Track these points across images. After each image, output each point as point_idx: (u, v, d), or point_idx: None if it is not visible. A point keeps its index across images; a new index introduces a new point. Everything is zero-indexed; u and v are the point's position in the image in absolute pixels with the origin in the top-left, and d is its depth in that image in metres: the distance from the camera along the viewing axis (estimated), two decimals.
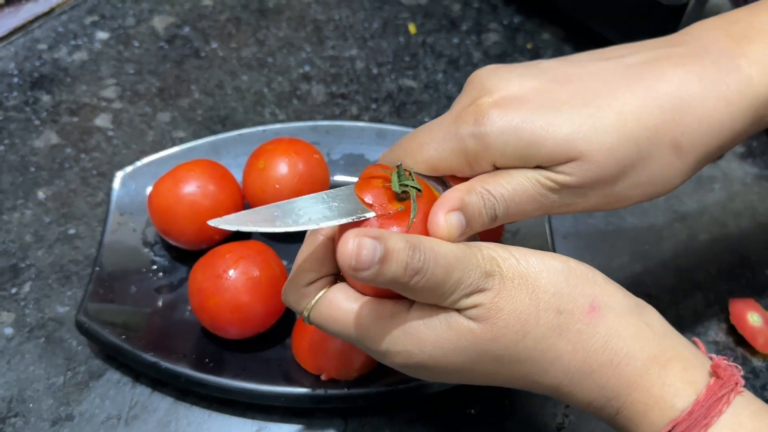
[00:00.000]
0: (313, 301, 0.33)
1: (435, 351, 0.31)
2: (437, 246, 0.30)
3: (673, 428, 0.29)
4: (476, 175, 0.33)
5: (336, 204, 0.32)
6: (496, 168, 0.33)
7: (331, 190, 0.32)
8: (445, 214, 0.31)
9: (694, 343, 0.32)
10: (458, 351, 0.31)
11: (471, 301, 0.30)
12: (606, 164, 0.32)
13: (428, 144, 0.33)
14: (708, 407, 0.29)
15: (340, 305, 0.32)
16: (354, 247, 0.28)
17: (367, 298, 0.32)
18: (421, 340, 0.31)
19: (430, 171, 0.34)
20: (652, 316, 0.31)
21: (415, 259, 0.29)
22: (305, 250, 0.34)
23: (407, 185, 0.32)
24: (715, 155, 0.34)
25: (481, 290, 0.30)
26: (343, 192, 0.32)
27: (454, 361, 0.31)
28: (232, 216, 0.30)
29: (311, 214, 0.31)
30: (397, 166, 0.32)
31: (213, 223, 0.29)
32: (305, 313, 0.33)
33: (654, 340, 0.30)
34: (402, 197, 0.32)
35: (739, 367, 0.30)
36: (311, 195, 0.32)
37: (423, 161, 0.33)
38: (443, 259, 0.29)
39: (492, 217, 0.33)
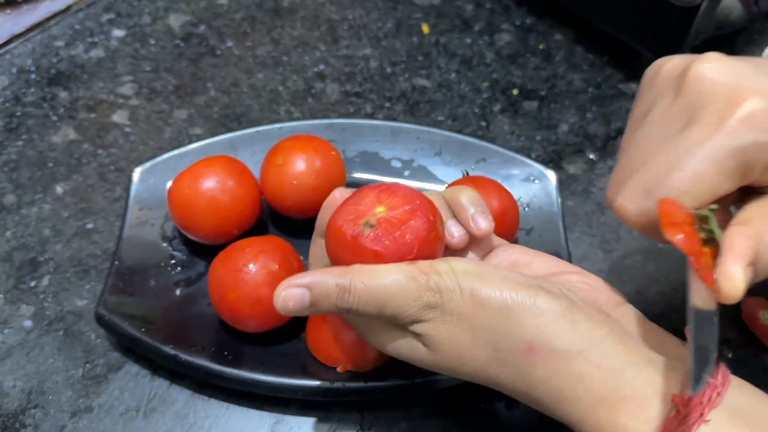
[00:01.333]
0: None
1: (395, 353, 0.34)
2: (372, 281, 0.31)
3: None
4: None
5: None
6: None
7: None
8: (743, 269, 0.28)
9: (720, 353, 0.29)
10: (414, 361, 0.34)
11: (413, 329, 0.32)
12: None
13: (705, 172, 0.29)
14: None
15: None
16: (280, 301, 0.32)
17: None
18: (382, 344, 0.34)
19: (709, 200, 0.30)
20: (607, 351, 0.29)
21: (343, 300, 0.32)
22: (312, 252, 0.38)
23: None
24: None
25: (421, 320, 0.32)
26: None
27: (417, 364, 0.34)
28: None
29: None
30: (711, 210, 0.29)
31: None
32: None
33: (600, 381, 0.29)
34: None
35: (721, 382, 0.28)
36: None
37: (696, 195, 0.29)
38: (374, 297, 0.31)
39: None
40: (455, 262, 0.32)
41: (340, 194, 0.36)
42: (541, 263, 0.36)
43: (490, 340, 0.31)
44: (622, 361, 0.29)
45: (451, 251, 0.36)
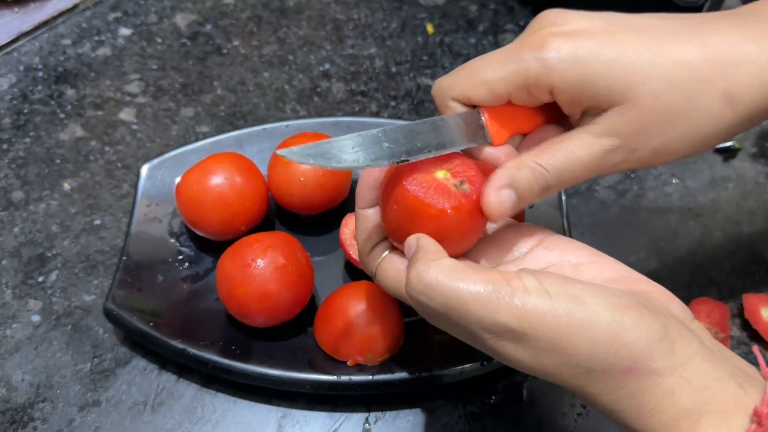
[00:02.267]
0: (376, 265, 0.36)
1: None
2: (445, 278, 0.30)
3: None
4: (531, 106, 0.34)
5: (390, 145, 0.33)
6: (552, 96, 0.33)
7: (384, 130, 0.34)
8: (497, 191, 0.32)
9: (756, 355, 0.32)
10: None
11: (487, 344, 0.30)
12: (654, 110, 0.32)
13: (489, 66, 0.34)
14: None
15: (392, 269, 0.35)
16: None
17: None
18: (450, 330, 0.32)
19: (488, 93, 0.34)
20: (697, 368, 0.30)
21: (408, 286, 0.31)
22: (360, 225, 0.37)
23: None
24: (765, 115, 0.34)
25: (498, 339, 0.30)
26: (398, 129, 0.34)
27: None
28: (297, 148, 0.32)
29: (369, 154, 0.33)
30: None
31: (281, 152, 0.31)
32: (374, 278, 0.36)
33: (690, 395, 0.29)
34: None
35: None
36: (362, 134, 0.33)
37: (481, 82, 0.34)
38: (443, 297, 0.30)
39: (544, 188, 0.33)
40: (546, 280, 0.30)
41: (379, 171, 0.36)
42: (606, 266, 0.35)
43: (584, 363, 0.29)
44: (709, 377, 0.29)
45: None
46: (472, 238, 0.35)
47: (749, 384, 0.30)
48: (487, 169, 0.34)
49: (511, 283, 0.30)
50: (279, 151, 0.31)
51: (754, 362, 0.31)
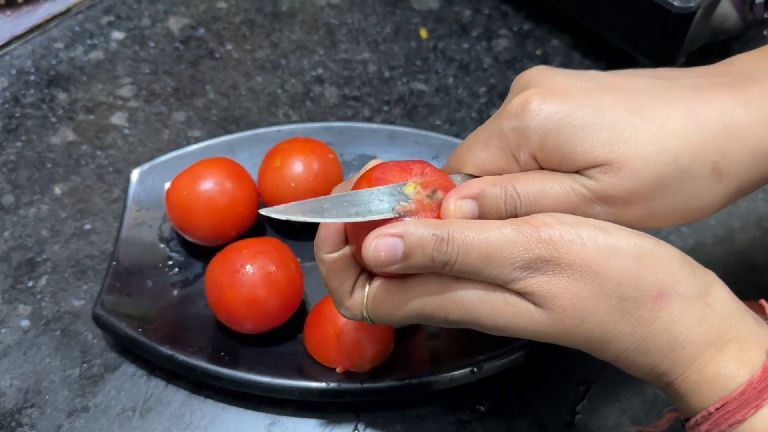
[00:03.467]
0: (364, 307, 0.34)
1: (491, 321, 0.31)
2: (474, 234, 0.30)
3: (722, 406, 0.30)
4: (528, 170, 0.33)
5: (383, 198, 0.32)
6: (537, 163, 0.33)
7: (377, 188, 0.32)
8: (456, 200, 0.32)
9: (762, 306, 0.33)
10: (516, 327, 0.31)
11: (521, 286, 0.30)
12: (642, 175, 0.31)
13: (474, 145, 0.34)
14: (761, 389, 0.29)
15: (388, 300, 0.33)
16: (371, 250, 0.30)
17: (409, 278, 0.32)
18: (475, 312, 0.31)
19: (480, 172, 0.34)
20: (718, 295, 0.31)
21: (441, 252, 0.30)
22: (326, 270, 0.34)
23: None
24: (757, 184, 0.34)
25: (532, 275, 0.30)
26: (387, 188, 0.33)
27: (511, 332, 0.32)
28: (282, 206, 0.31)
29: (359, 208, 0.31)
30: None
31: (264, 212, 0.31)
32: (367, 319, 0.34)
33: (715, 323, 0.30)
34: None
35: None
36: (359, 191, 0.32)
37: (471, 163, 0.34)
38: (476, 249, 0.30)
39: (511, 213, 0.32)
40: (562, 216, 0.31)
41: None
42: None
43: (617, 289, 0.30)
44: (730, 305, 0.31)
45: None
46: None
47: (760, 322, 0.31)
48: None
49: (530, 222, 0.30)
50: (262, 211, 0.31)
51: None
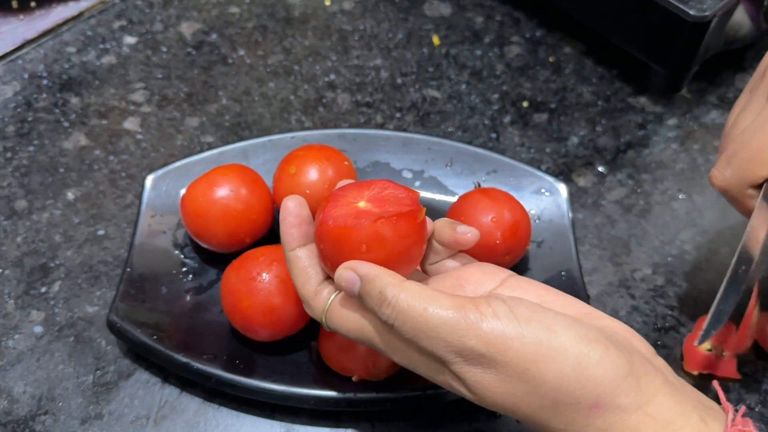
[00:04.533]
0: (326, 308, 0.35)
1: (433, 381, 0.33)
2: (417, 304, 0.30)
3: None
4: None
5: None
6: None
7: None
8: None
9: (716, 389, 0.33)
10: (456, 393, 0.32)
11: (455, 369, 0.31)
12: None
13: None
14: None
15: (346, 313, 0.34)
16: (337, 275, 0.33)
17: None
18: (417, 367, 0.33)
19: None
20: (661, 403, 0.30)
21: (381, 311, 0.31)
22: (295, 268, 0.36)
23: None
24: None
25: (465, 363, 0.30)
26: None
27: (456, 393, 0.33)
28: None
29: None
30: None
31: None
32: (324, 323, 0.36)
33: (655, 431, 0.30)
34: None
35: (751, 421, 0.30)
36: None
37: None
38: (413, 321, 0.30)
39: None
40: (517, 307, 0.31)
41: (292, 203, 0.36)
42: (567, 303, 0.34)
43: (551, 393, 0.30)
44: (673, 411, 0.30)
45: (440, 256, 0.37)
46: (411, 255, 0.35)
47: (711, 417, 0.30)
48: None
49: (479, 308, 0.30)
50: None
51: (763, 380, 0.31)
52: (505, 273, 0.36)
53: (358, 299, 0.33)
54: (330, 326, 0.35)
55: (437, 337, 0.30)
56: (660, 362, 0.33)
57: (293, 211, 0.36)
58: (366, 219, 0.33)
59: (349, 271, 0.33)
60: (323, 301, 0.35)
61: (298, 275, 0.36)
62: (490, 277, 0.36)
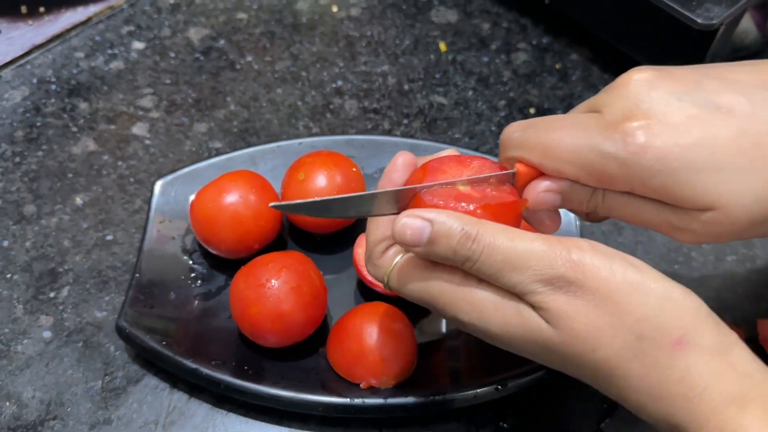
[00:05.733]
0: (389, 270, 0.35)
1: (500, 330, 0.31)
2: (504, 239, 0.30)
3: None
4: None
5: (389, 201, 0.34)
6: (628, 192, 0.33)
7: (384, 191, 0.34)
8: (541, 192, 0.33)
9: None
10: (524, 341, 0.31)
11: (538, 300, 0.30)
12: (740, 221, 0.31)
13: (566, 144, 0.32)
14: None
15: (412, 272, 0.34)
16: (399, 226, 0.31)
17: (437, 265, 0.33)
18: (487, 317, 0.32)
19: (556, 170, 0.33)
20: (740, 354, 0.30)
21: (465, 248, 0.30)
22: (372, 225, 0.36)
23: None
24: None
25: (552, 292, 0.30)
26: (393, 192, 0.34)
27: (518, 346, 0.32)
28: (291, 202, 0.33)
29: (361, 209, 0.34)
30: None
31: (273, 205, 0.33)
32: (385, 281, 0.35)
33: (736, 381, 0.29)
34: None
35: None
36: (364, 194, 0.34)
37: (553, 158, 0.33)
38: (501, 254, 0.30)
39: (592, 210, 0.34)
40: (597, 244, 0.31)
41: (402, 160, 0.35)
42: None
43: (636, 326, 0.29)
44: (752, 366, 0.30)
45: None
46: None
47: None
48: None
49: (563, 242, 0.30)
50: (272, 204, 0.33)
51: None
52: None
53: (426, 247, 0.31)
54: (392, 285, 0.35)
55: (526, 267, 0.30)
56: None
57: (400, 165, 0.35)
58: (467, 203, 0.32)
59: (415, 218, 0.31)
60: (390, 260, 0.35)
61: (373, 230, 0.35)
62: None
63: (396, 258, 0.35)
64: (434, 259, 0.32)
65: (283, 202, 0.33)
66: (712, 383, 0.29)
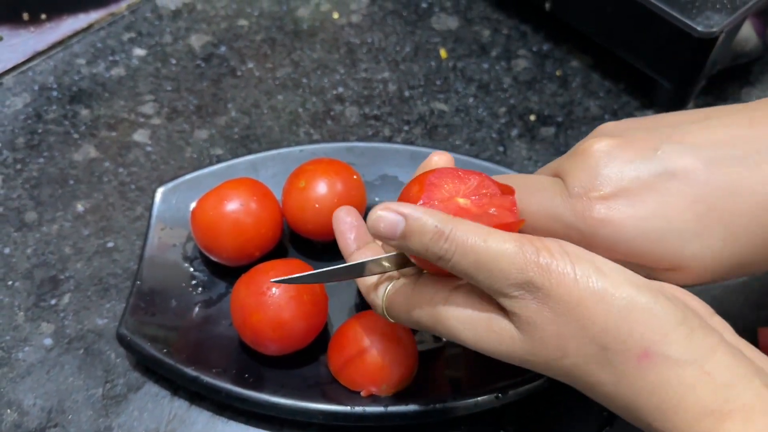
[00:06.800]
0: (383, 304, 0.36)
1: (474, 345, 0.32)
2: (476, 238, 0.30)
3: None
4: None
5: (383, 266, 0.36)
6: None
7: (378, 258, 0.36)
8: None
9: None
10: (497, 351, 0.32)
11: (510, 304, 0.31)
12: (704, 276, 0.33)
13: (533, 209, 0.34)
14: None
15: (398, 301, 0.35)
16: (374, 219, 0.31)
17: (416, 287, 0.34)
18: (461, 335, 0.33)
19: (530, 229, 0.35)
20: (719, 361, 0.29)
21: (437, 246, 0.31)
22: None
23: None
24: None
25: (522, 297, 0.30)
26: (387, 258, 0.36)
27: (494, 354, 0.32)
28: (296, 276, 0.36)
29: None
30: None
31: (276, 281, 0.37)
32: (386, 315, 0.37)
33: (713, 392, 0.28)
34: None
35: None
36: (363, 262, 0.36)
37: (527, 218, 0.34)
38: (474, 254, 0.30)
39: None
40: (568, 246, 0.31)
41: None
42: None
43: (600, 337, 0.29)
44: (732, 373, 0.29)
45: None
46: None
47: None
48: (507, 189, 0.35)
49: (534, 243, 0.30)
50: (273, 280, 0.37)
51: None
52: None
53: (400, 242, 0.31)
54: (390, 316, 0.36)
55: (497, 269, 0.30)
56: (718, 321, 0.32)
57: (345, 218, 0.39)
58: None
59: (389, 212, 0.31)
60: (380, 297, 0.36)
61: (360, 279, 0.38)
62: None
63: (385, 290, 0.36)
64: (408, 253, 0.33)
65: (287, 278, 0.37)
66: (686, 396, 0.28)
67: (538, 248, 0.30)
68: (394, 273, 0.37)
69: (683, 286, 0.33)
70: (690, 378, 0.28)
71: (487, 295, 0.32)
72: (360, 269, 0.36)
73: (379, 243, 0.39)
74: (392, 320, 0.37)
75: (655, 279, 0.32)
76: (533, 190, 0.35)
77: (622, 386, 0.29)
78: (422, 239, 0.31)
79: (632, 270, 0.31)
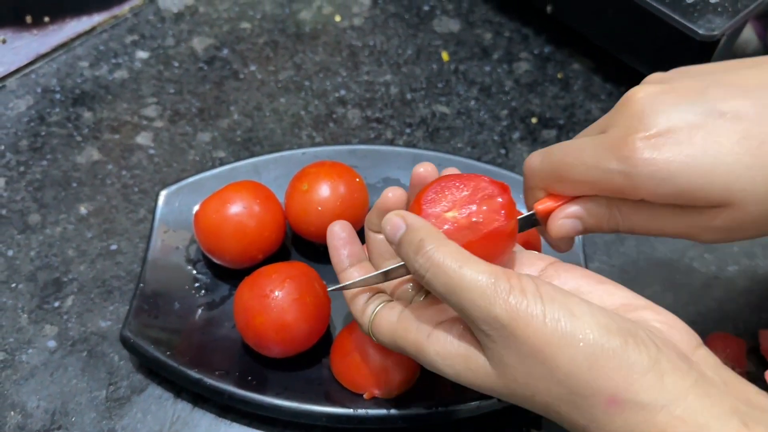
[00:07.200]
0: (370, 320, 0.37)
1: (455, 379, 0.33)
2: (452, 263, 0.30)
3: None
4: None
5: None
6: (643, 202, 0.33)
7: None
8: (562, 219, 0.35)
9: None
10: (476, 386, 0.32)
11: (481, 337, 0.31)
12: (756, 213, 0.31)
13: (576, 168, 0.34)
14: None
15: (381, 324, 0.36)
16: (385, 219, 0.33)
17: (400, 317, 0.35)
18: (439, 368, 0.33)
19: (574, 192, 0.35)
20: (690, 405, 0.28)
21: (414, 260, 0.32)
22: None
23: None
24: None
25: (489, 334, 0.30)
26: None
27: (473, 388, 0.33)
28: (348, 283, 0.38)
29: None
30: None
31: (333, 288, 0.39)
32: (373, 337, 0.37)
33: None
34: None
35: None
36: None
37: (571, 183, 0.34)
38: (446, 277, 0.30)
39: (613, 230, 0.35)
40: (543, 286, 0.30)
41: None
42: (607, 292, 0.34)
43: (567, 381, 0.29)
44: (707, 415, 0.28)
45: None
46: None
47: (755, 421, 0.28)
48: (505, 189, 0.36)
49: (510, 280, 0.30)
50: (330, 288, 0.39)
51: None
52: (546, 261, 0.36)
53: (396, 248, 0.33)
54: (376, 337, 0.37)
55: (468, 298, 0.30)
56: (703, 354, 0.31)
57: (339, 234, 0.39)
58: (455, 236, 0.33)
59: (398, 218, 0.33)
60: (368, 316, 0.37)
61: (349, 294, 0.38)
62: (537, 261, 0.36)
63: (371, 312, 0.37)
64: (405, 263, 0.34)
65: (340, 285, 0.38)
66: None
67: (512, 286, 0.30)
68: (385, 296, 0.38)
69: (734, 228, 0.32)
70: (661, 423, 0.28)
71: (469, 329, 0.32)
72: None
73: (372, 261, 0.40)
74: (377, 341, 0.37)
75: (704, 219, 0.32)
76: (575, 150, 0.34)
77: (593, 428, 0.29)
78: (408, 250, 0.32)
79: (682, 212, 0.32)
